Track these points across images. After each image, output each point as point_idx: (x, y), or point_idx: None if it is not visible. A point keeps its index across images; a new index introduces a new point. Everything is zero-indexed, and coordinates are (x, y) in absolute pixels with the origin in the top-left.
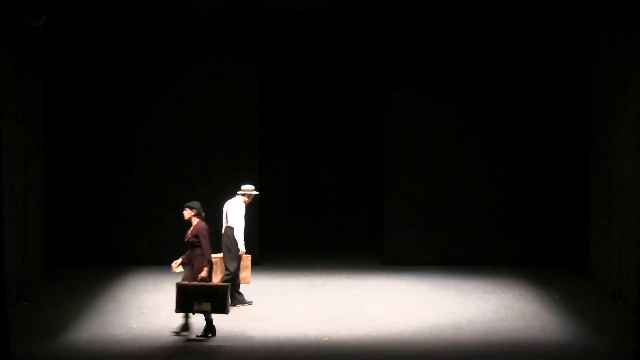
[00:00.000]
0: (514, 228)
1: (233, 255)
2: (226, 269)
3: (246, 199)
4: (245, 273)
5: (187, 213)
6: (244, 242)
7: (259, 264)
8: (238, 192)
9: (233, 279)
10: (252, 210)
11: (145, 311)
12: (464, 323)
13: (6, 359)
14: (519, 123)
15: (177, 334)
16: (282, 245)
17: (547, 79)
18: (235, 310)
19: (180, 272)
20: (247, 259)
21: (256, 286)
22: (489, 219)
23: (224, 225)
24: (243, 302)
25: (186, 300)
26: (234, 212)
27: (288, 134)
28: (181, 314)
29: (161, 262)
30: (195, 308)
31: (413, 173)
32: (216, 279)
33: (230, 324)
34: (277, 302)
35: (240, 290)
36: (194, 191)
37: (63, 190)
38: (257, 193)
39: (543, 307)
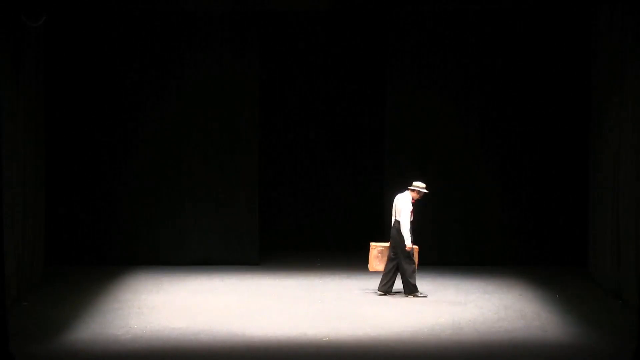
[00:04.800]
0: (514, 228)
1: (398, 248)
2: (396, 260)
3: (415, 194)
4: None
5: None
6: (410, 237)
7: (259, 264)
8: (408, 187)
9: (408, 271)
10: (252, 209)
11: (145, 311)
12: (464, 323)
13: (6, 359)
14: (519, 123)
15: None
16: (282, 245)
17: (547, 79)
18: (234, 310)
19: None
20: (413, 251)
21: (256, 286)
22: (489, 219)
23: (393, 217)
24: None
25: None
26: (400, 208)
27: (288, 133)
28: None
29: (161, 262)
30: None
31: (413, 173)
32: (381, 267)
33: (230, 324)
34: (277, 302)
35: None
36: (193, 191)
37: (63, 190)
38: (427, 192)
39: (543, 307)
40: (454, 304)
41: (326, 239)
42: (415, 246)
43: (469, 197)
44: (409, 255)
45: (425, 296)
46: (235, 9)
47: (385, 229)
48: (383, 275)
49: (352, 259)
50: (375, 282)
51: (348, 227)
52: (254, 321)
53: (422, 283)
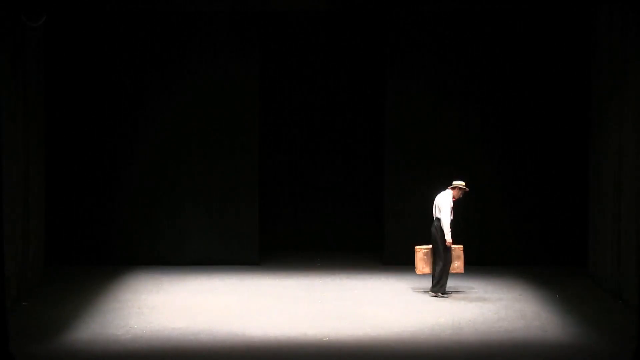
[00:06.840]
0: (514, 228)
1: (439, 246)
2: (439, 259)
3: (456, 192)
4: (457, 263)
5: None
6: (450, 233)
7: (259, 264)
8: (449, 186)
9: (447, 268)
10: (252, 210)
11: (145, 311)
12: (464, 323)
13: (6, 359)
14: (519, 123)
15: None
16: (282, 245)
17: (547, 79)
18: (234, 310)
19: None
20: (458, 249)
21: (256, 286)
22: (489, 218)
23: (434, 216)
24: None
25: None
26: (441, 204)
27: (288, 133)
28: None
29: (161, 262)
30: None
31: (413, 173)
32: (428, 269)
33: (230, 324)
34: (277, 302)
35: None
36: (193, 191)
37: (63, 190)
38: (467, 189)
39: (543, 307)
40: (454, 304)
41: (326, 239)
42: (459, 245)
43: (469, 197)
44: (447, 252)
45: (447, 296)
46: (235, 9)
47: (386, 229)
48: (433, 277)
49: (352, 259)
50: (375, 283)
51: (348, 227)
52: (254, 321)
53: (423, 283)
